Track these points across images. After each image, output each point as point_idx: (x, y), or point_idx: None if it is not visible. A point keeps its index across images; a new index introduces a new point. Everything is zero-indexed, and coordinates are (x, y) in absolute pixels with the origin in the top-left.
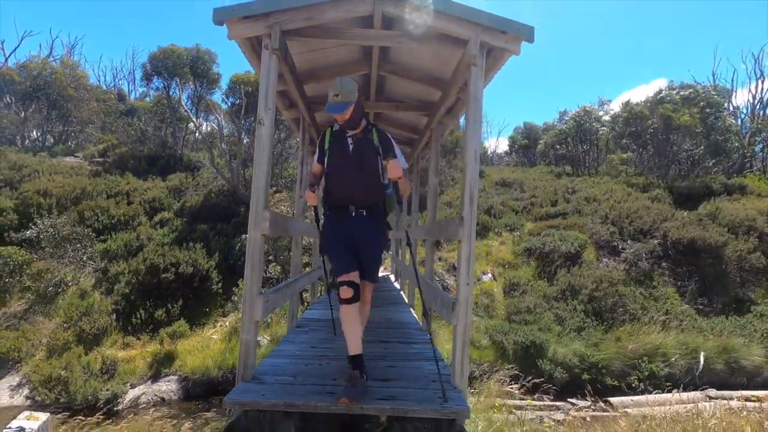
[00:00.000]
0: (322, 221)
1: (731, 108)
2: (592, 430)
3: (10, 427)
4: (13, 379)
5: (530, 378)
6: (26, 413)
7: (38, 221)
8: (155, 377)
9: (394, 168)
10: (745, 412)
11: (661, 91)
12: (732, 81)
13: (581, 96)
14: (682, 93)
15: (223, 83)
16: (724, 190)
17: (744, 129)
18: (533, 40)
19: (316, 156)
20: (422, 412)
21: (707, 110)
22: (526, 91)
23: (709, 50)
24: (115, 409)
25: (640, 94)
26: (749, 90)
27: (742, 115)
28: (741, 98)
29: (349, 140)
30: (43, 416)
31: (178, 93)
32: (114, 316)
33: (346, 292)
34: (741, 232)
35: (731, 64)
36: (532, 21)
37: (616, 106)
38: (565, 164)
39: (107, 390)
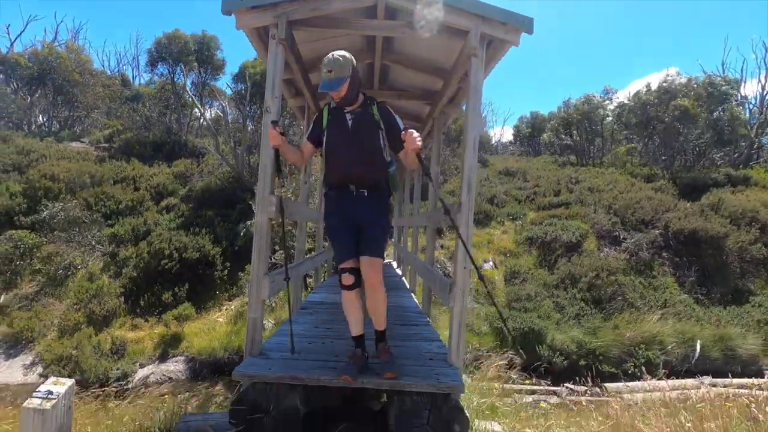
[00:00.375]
0: (283, 171)
1: (739, 98)
2: (586, 412)
3: (39, 391)
4: (27, 358)
5: (529, 363)
6: (53, 379)
7: (49, 204)
8: (163, 357)
9: (412, 140)
10: (731, 396)
11: (665, 81)
12: (741, 71)
13: (590, 86)
14: (681, 81)
15: (228, 70)
16: (728, 181)
17: (752, 120)
18: (533, 32)
19: (308, 133)
20: (419, 387)
21: (713, 100)
22: (534, 81)
23: (720, 39)
24: (125, 387)
25: (649, 83)
26: (759, 80)
27: (751, 106)
28: (750, 89)
29: (348, 116)
30: (68, 381)
31: (182, 79)
32: (122, 299)
33: (347, 279)
34: (743, 224)
35: (741, 53)
36: (540, 11)
37: (625, 95)
38: (569, 154)
39: (117, 369)
